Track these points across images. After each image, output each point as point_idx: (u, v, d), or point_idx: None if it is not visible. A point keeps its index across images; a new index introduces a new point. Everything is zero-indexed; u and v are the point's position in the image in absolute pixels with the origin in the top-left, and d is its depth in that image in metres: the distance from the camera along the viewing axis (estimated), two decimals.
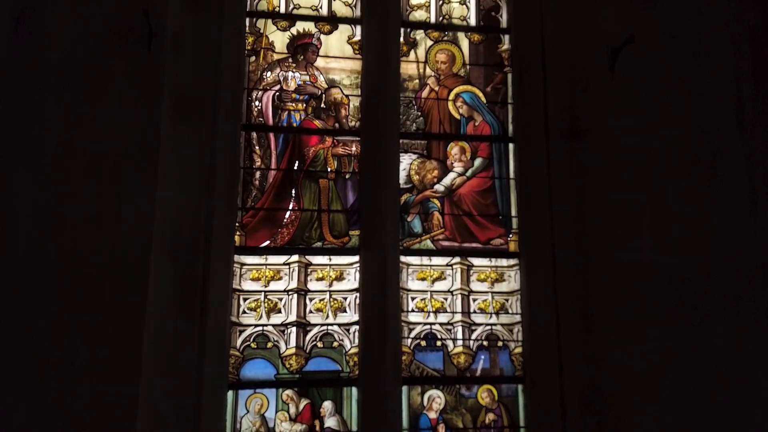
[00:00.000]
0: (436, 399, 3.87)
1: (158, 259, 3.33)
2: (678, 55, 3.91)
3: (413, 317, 3.95)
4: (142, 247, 3.26)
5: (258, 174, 4.01)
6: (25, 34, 3.35)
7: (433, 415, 3.85)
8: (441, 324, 3.97)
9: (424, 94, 4.29)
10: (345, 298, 3.90)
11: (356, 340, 3.84)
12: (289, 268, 3.89)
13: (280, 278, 3.88)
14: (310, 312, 3.85)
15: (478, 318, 4.02)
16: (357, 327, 3.85)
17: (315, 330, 3.83)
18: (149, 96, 3.40)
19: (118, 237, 3.22)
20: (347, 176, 4.10)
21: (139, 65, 3.41)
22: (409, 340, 3.91)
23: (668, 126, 3.80)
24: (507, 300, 4.08)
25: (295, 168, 4.05)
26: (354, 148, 4.13)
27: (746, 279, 3.69)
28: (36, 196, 3.20)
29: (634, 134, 3.78)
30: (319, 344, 3.83)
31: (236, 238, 3.86)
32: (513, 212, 4.18)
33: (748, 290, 3.68)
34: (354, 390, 3.78)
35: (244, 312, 3.78)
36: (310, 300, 3.87)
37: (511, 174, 4.24)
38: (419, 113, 4.27)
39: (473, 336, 3.99)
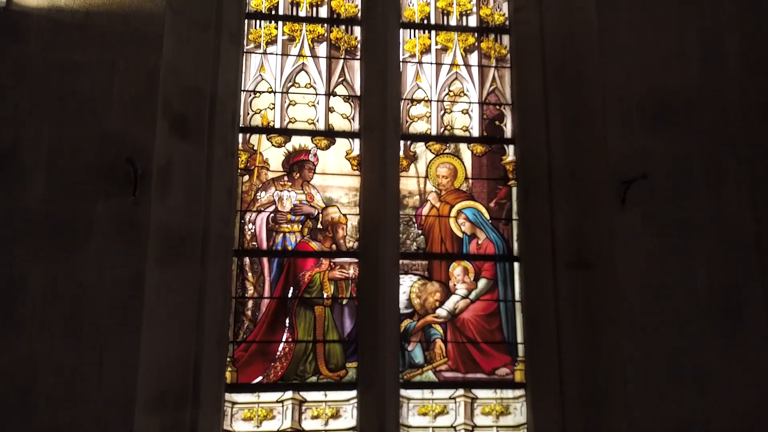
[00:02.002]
0: None
1: (142, 417, 3.13)
2: (692, 181, 3.72)
3: None
4: (125, 407, 3.05)
5: (250, 303, 3.82)
6: (2, 180, 3.18)
7: None
8: None
9: (425, 211, 4.11)
10: None
11: None
12: (283, 406, 3.69)
13: (273, 417, 3.68)
14: None
15: None
16: None
17: None
18: (134, 243, 3.21)
19: (100, 398, 3.02)
20: (344, 302, 3.91)
21: (123, 211, 3.23)
22: None
23: (682, 258, 3.61)
24: None
25: (290, 295, 3.85)
26: (351, 271, 3.94)
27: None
28: (14, 356, 3.02)
29: (645, 267, 3.59)
30: None
31: (227, 374, 3.67)
32: (519, 338, 3.98)
33: None
34: None
35: None
36: None
37: (517, 296, 4.04)
38: (420, 231, 4.08)
39: None
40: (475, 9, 4.44)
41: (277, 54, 4.17)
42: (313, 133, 4.11)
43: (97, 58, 3.40)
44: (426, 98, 4.26)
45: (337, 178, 4.09)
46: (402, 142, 4.15)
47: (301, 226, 3.97)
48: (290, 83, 4.15)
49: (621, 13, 3.95)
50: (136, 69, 3.42)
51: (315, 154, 4.09)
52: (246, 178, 3.98)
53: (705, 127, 3.81)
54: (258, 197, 3.96)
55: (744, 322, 3.59)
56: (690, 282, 3.60)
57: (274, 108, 4.09)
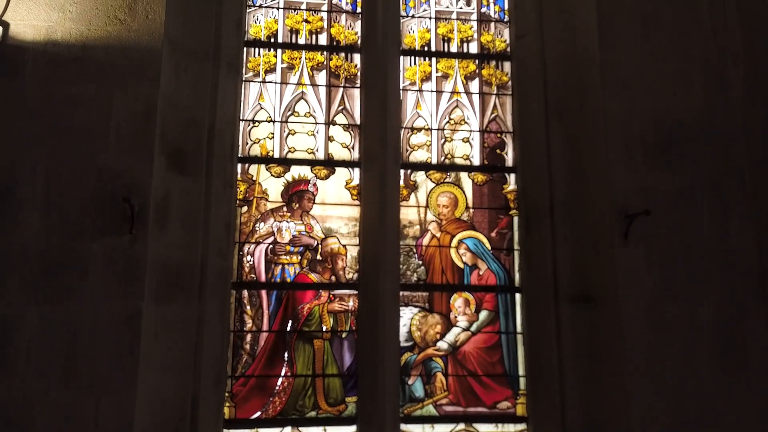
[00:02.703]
0: None
1: None
2: (696, 214, 3.68)
3: None
4: None
5: (249, 337, 3.77)
6: None
7: None
8: None
9: (426, 241, 4.07)
10: None
11: None
12: None
13: None
14: None
15: None
16: None
17: None
18: (130, 282, 3.18)
19: None
20: (344, 335, 3.86)
21: (119, 249, 3.20)
22: None
23: (686, 293, 3.57)
24: None
25: (288, 329, 3.81)
26: (351, 304, 3.90)
27: None
28: (9, 398, 2.97)
29: (649, 302, 3.54)
30: None
31: (225, 409, 3.63)
32: (521, 371, 3.93)
33: None
34: None
35: None
36: None
37: (519, 328, 3.99)
38: (420, 262, 4.04)
39: None
40: (476, 36, 4.40)
41: (276, 82, 4.13)
42: (312, 163, 4.06)
43: (94, 92, 3.36)
44: (426, 126, 4.22)
45: (336, 208, 4.05)
46: (402, 171, 4.10)
47: (300, 257, 3.92)
48: (290, 112, 4.11)
49: (623, 41, 3.91)
50: (133, 103, 3.39)
51: (314, 184, 4.05)
52: (245, 209, 3.94)
53: (708, 158, 3.77)
54: (257, 228, 3.92)
55: (749, 357, 3.55)
56: (694, 317, 3.55)
57: (273, 137, 4.05)
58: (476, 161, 4.23)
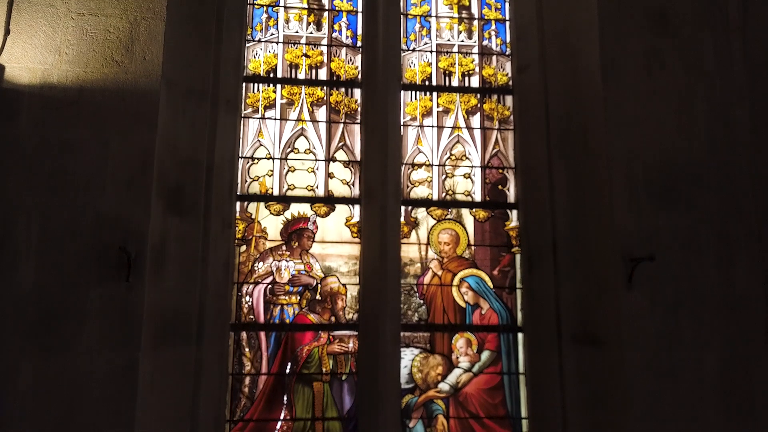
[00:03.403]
0: None
1: None
2: (701, 257, 3.63)
3: None
4: None
5: (248, 380, 3.72)
6: None
7: None
8: None
9: (427, 279, 4.02)
10: None
11: None
12: None
13: None
14: None
15: None
16: None
17: None
18: (128, 331, 3.13)
19: None
20: (343, 377, 3.81)
21: (116, 298, 3.15)
22: None
23: (691, 339, 3.52)
24: None
25: (288, 371, 3.75)
26: (351, 345, 3.85)
27: None
28: None
29: (654, 347, 3.49)
30: None
31: None
32: (523, 413, 3.87)
33: None
34: None
35: None
36: None
37: (521, 368, 3.93)
38: (421, 301, 3.99)
39: None
40: (477, 69, 4.36)
41: (275, 119, 4.08)
42: (312, 200, 4.01)
43: (90, 135, 3.31)
44: (427, 162, 4.17)
45: (336, 246, 4.00)
46: (403, 208, 4.05)
47: (299, 297, 3.87)
48: (289, 149, 4.06)
49: (626, 79, 3.86)
50: (130, 146, 3.34)
51: (314, 222, 4.00)
52: (243, 248, 3.89)
53: (714, 201, 3.71)
54: (256, 268, 3.87)
55: (755, 405, 3.49)
56: (699, 363, 3.50)
57: (272, 175, 4.00)
58: (478, 197, 4.18)
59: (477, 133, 4.26)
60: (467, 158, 4.22)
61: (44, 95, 3.31)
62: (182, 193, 3.61)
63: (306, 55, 4.21)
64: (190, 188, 3.65)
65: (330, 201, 4.04)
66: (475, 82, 4.35)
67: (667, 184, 3.73)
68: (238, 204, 3.93)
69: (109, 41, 3.42)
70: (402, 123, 4.17)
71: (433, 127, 4.23)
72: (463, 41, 4.39)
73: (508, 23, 4.43)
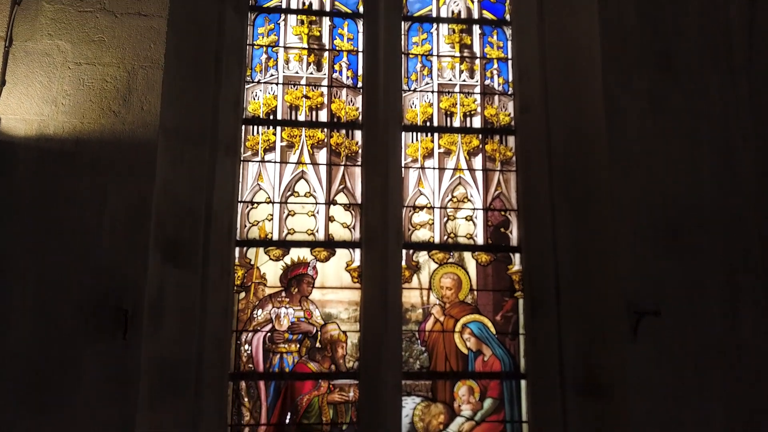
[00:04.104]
0: None
1: None
2: (707, 306, 3.57)
3: None
4: None
5: (247, 430, 3.66)
6: None
7: None
8: None
9: (429, 326, 3.96)
10: None
11: None
12: None
13: None
14: None
15: None
16: None
17: None
18: (124, 388, 3.06)
19: None
20: (344, 427, 3.75)
21: (113, 354, 3.08)
22: None
23: (697, 392, 3.45)
24: None
25: (287, 421, 3.69)
26: (351, 394, 3.79)
27: None
28: None
29: (659, 401, 3.43)
30: None
31: None
32: None
33: None
34: None
35: None
36: None
37: (524, 416, 3.87)
38: (423, 348, 3.93)
39: None
40: (479, 109, 4.31)
41: (275, 162, 4.03)
42: (312, 244, 3.96)
43: (87, 187, 3.26)
44: (429, 205, 4.12)
45: (336, 292, 3.94)
46: (404, 252, 4.00)
47: (299, 345, 3.82)
48: (289, 192, 4.01)
49: (630, 120, 3.82)
50: (127, 198, 3.28)
51: (314, 267, 3.94)
52: (242, 295, 3.84)
53: (720, 248, 3.66)
54: (255, 315, 3.82)
55: None
56: (705, 417, 3.44)
57: (272, 219, 3.95)
58: (480, 240, 4.12)
59: (479, 175, 4.21)
60: (469, 200, 4.17)
61: (40, 147, 3.26)
62: (180, 242, 3.55)
63: (306, 96, 4.16)
64: (189, 236, 3.60)
65: (330, 245, 3.98)
66: (476, 122, 4.30)
67: (672, 229, 3.67)
68: (237, 249, 3.87)
69: (106, 91, 3.37)
70: (403, 165, 4.12)
71: (434, 168, 4.18)
72: (464, 81, 4.34)
73: (510, 62, 4.38)
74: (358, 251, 3.97)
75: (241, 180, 3.95)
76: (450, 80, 4.33)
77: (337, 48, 4.27)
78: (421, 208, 4.12)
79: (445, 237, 4.10)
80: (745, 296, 3.64)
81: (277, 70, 4.18)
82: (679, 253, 3.63)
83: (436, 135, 4.23)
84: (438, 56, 4.36)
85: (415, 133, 4.23)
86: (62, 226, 3.21)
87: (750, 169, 3.78)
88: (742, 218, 3.71)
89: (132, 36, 3.45)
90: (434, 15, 4.42)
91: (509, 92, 4.35)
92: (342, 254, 3.98)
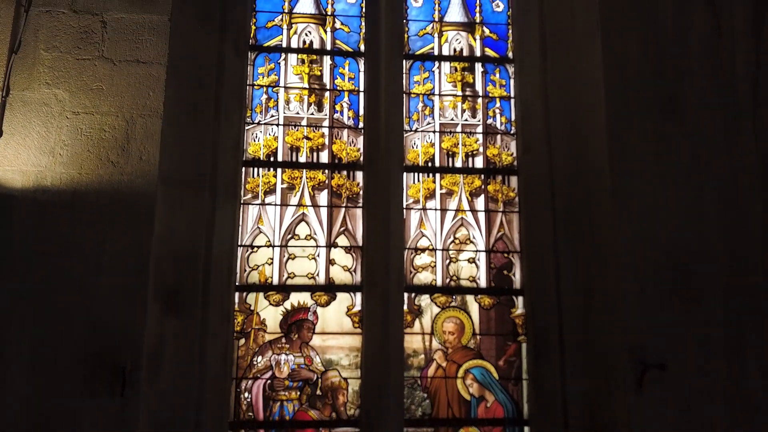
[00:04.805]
0: None
1: None
2: (713, 358, 3.51)
3: None
4: None
5: None
6: None
7: None
8: None
9: (431, 372, 3.91)
10: None
11: None
12: None
13: None
14: None
15: None
16: None
17: None
18: None
19: None
20: None
21: (110, 410, 3.04)
22: None
23: None
24: None
25: None
26: None
27: None
28: None
29: None
30: None
31: None
32: None
33: None
34: None
35: None
36: None
37: None
38: (425, 395, 3.87)
39: None
40: (481, 149, 4.26)
41: (276, 204, 3.99)
42: (312, 289, 3.91)
43: (85, 239, 3.22)
44: (430, 247, 4.08)
45: (337, 337, 3.89)
46: (406, 295, 3.95)
47: (299, 392, 3.77)
48: (289, 235, 3.97)
49: (634, 164, 3.76)
50: (126, 249, 3.24)
51: (314, 312, 3.89)
52: (242, 341, 3.79)
53: (726, 296, 3.60)
54: (254, 362, 3.77)
55: None
56: None
57: (272, 263, 3.91)
58: (483, 283, 4.07)
59: (481, 216, 4.16)
60: (471, 242, 4.12)
61: (38, 199, 3.22)
62: (180, 290, 3.51)
63: (307, 138, 4.12)
64: (188, 283, 3.56)
65: (331, 289, 3.94)
66: (479, 162, 4.26)
67: (677, 274, 3.61)
68: (237, 295, 3.83)
69: (104, 141, 3.33)
70: (405, 206, 4.08)
71: (436, 210, 4.14)
72: (466, 120, 4.30)
73: (513, 101, 4.34)
74: (359, 295, 3.93)
75: (240, 223, 3.91)
76: (452, 119, 4.29)
77: (338, 88, 4.23)
78: (423, 250, 4.07)
79: (448, 280, 4.05)
80: (751, 347, 3.58)
81: (277, 110, 4.14)
82: (684, 300, 3.56)
83: (438, 175, 4.19)
84: (440, 95, 4.32)
85: (416, 174, 4.18)
86: (60, 280, 3.16)
87: (756, 216, 3.72)
88: (748, 267, 3.65)
89: (131, 84, 3.41)
90: (436, 53, 4.38)
91: (512, 131, 4.31)
92: (343, 298, 3.93)
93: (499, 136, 4.30)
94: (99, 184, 3.28)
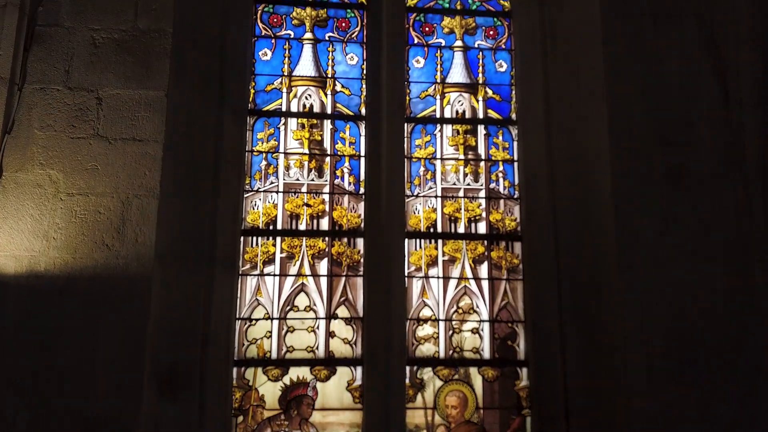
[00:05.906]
0: None
1: None
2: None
3: None
4: None
5: None
6: None
7: None
8: None
9: None
10: None
11: None
12: None
13: None
14: None
15: None
16: None
17: None
18: None
19: None
20: None
21: None
22: None
23: None
24: None
25: None
26: None
27: None
28: None
29: None
30: None
31: None
32: None
33: None
34: None
35: None
36: None
37: None
38: None
39: None
40: (484, 215, 4.18)
41: (275, 275, 3.91)
42: (312, 363, 3.83)
43: (78, 326, 3.13)
44: (433, 317, 3.99)
45: (338, 413, 3.80)
46: (408, 368, 3.87)
47: None
48: (289, 307, 3.89)
49: (641, 237, 3.66)
50: (120, 334, 3.16)
51: (314, 387, 3.80)
52: (240, 419, 3.70)
53: (734, 378, 3.50)
54: None
55: None
56: None
57: (270, 336, 3.82)
58: (486, 354, 3.98)
59: (485, 284, 4.07)
60: (475, 311, 4.03)
61: (30, 285, 3.14)
62: (176, 370, 3.44)
63: (307, 204, 4.05)
64: (185, 362, 3.48)
65: (331, 363, 3.85)
66: (482, 227, 4.18)
67: (685, 356, 3.52)
68: (235, 370, 3.74)
69: (99, 223, 3.25)
70: (406, 274, 4.00)
71: (438, 278, 4.05)
72: (469, 184, 4.22)
73: (516, 164, 4.27)
74: (359, 369, 3.84)
75: (239, 295, 3.83)
76: (454, 184, 4.22)
77: (339, 153, 4.15)
78: (426, 320, 3.99)
79: (451, 351, 3.96)
80: (760, 424, 3.49)
81: (277, 177, 4.07)
82: (693, 382, 3.48)
83: (440, 242, 4.11)
84: (442, 159, 4.25)
85: (418, 240, 4.11)
86: (52, 370, 3.07)
87: (766, 292, 3.64)
88: (757, 348, 3.56)
89: (127, 163, 3.34)
90: (438, 115, 4.31)
91: (515, 196, 4.23)
92: (343, 372, 3.84)
93: (502, 201, 4.23)
94: (93, 268, 3.20)
